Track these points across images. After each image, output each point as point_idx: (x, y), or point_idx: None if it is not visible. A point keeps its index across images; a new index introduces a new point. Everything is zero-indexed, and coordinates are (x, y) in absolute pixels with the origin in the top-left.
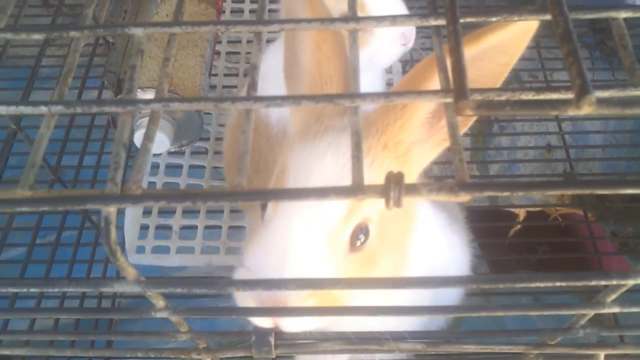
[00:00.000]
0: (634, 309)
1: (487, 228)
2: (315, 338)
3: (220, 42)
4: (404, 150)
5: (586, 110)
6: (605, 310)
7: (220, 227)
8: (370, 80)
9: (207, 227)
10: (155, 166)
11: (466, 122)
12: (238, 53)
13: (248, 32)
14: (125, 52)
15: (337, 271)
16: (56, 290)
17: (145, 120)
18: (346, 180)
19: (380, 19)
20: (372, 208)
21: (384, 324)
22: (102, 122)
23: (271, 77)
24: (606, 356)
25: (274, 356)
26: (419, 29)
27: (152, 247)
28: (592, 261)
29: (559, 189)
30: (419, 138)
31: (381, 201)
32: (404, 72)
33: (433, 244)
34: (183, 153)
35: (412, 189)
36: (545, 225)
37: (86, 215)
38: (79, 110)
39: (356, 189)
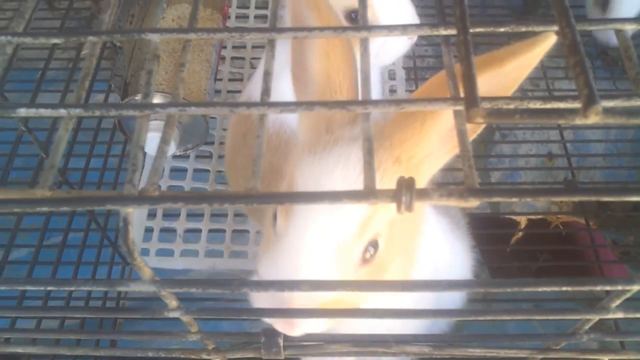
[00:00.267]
0: (638, 315)
1: (488, 235)
2: (323, 340)
3: (225, 47)
4: (417, 163)
5: (593, 119)
6: (610, 316)
7: (224, 230)
8: (373, 79)
9: (211, 231)
10: None
11: (475, 130)
12: (243, 58)
13: (261, 39)
14: (132, 56)
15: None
16: (72, 289)
17: (153, 123)
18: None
19: (391, 28)
20: (382, 222)
21: (390, 327)
22: (108, 125)
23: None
24: None
25: (282, 357)
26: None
27: (156, 249)
28: (593, 269)
29: (564, 195)
30: (433, 151)
31: (392, 210)
32: (408, 78)
33: (435, 248)
34: (188, 157)
35: (423, 194)
36: (546, 233)
37: (93, 217)
38: (97, 113)
39: (368, 193)
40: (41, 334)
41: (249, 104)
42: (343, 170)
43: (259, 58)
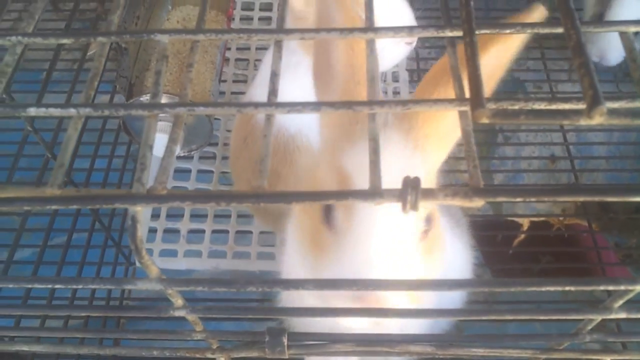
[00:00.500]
0: None
1: (491, 237)
2: (326, 339)
3: (229, 49)
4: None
5: (597, 120)
6: (613, 316)
7: (227, 231)
8: None
9: (214, 232)
10: None
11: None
12: (247, 60)
13: (268, 40)
14: (137, 57)
15: (414, 266)
16: (80, 286)
17: (159, 124)
18: (417, 170)
19: (397, 30)
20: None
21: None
22: (113, 126)
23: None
24: None
25: (287, 356)
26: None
27: (159, 250)
28: (596, 271)
29: (567, 195)
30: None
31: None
32: (411, 80)
33: None
34: (192, 157)
35: (429, 194)
36: (548, 235)
37: (97, 218)
38: (106, 112)
39: (374, 192)
40: (46, 332)
41: (257, 104)
42: (392, 151)
43: None
